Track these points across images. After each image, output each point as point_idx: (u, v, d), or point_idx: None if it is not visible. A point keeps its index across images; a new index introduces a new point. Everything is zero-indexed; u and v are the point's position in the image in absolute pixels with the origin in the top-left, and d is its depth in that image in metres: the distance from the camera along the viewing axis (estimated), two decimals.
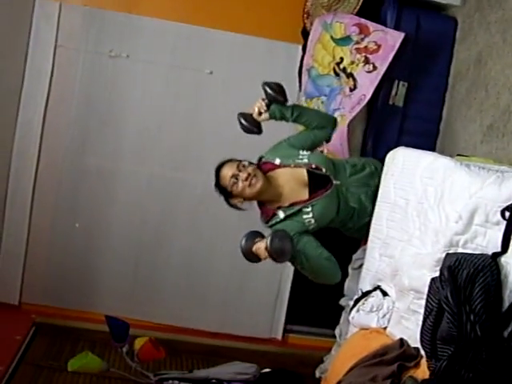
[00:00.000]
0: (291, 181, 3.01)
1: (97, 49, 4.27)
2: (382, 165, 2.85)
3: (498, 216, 1.98)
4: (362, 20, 3.69)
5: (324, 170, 2.98)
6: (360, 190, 3.03)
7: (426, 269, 2.25)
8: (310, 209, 2.95)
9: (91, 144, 4.38)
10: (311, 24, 3.96)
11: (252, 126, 3.07)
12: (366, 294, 2.74)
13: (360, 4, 3.77)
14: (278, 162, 3.05)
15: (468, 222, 2.08)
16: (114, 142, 4.38)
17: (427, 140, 3.81)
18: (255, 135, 3.11)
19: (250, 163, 2.98)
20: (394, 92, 3.70)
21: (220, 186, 3.02)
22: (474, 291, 1.90)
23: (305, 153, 3.04)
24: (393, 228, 2.61)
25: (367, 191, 3.02)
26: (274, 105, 3.03)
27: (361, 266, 3.09)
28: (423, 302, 2.15)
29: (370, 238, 2.80)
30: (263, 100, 3.02)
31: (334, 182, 2.98)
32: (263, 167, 3.06)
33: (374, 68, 3.57)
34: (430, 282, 2.13)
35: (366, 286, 2.79)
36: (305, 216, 2.95)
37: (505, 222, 1.96)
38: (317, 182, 2.98)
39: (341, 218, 3.05)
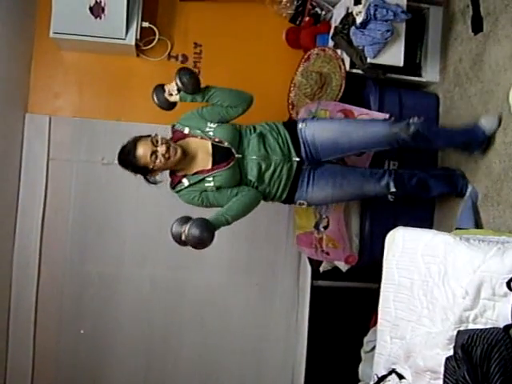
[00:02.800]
0: (199, 150, 3.17)
1: (89, 158, 4.34)
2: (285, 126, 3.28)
3: (505, 288, 1.98)
4: (347, 105, 3.76)
5: (226, 143, 3.14)
6: (258, 159, 3.20)
7: (440, 348, 2.22)
8: (211, 179, 3.13)
9: (91, 251, 4.37)
10: (297, 114, 4.04)
11: (162, 103, 3.19)
12: (381, 379, 2.68)
13: (342, 90, 3.85)
14: (186, 131, 3.19)
15: (475, 297, 2.07)
16: (113, 247, 4.38)
17: (425, 215, 3.83)
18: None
19: (156, 135, 3.08)
20: None
21: (138, 167, 3.09)
22: (490, 367, 1.87)
23: (212, 125, 3.18)
24: (400, 309, 2.58)
25: (265, 158, 3.20)
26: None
27: (373, 348, 3.05)
28: (440, 382, 2.11)
29: (379, 321, 2.77)
30: (176, 84, 3.10)
31: (236, 155, 3.15)
32: (175, 135, 3.23)
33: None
34: (446, 362, 2.09)
35: (380, 370, 2.73)
36: (206, 184, 3.14)
37: None
38: (221, 154, 3.14)
39: (250, 185, 3.24)
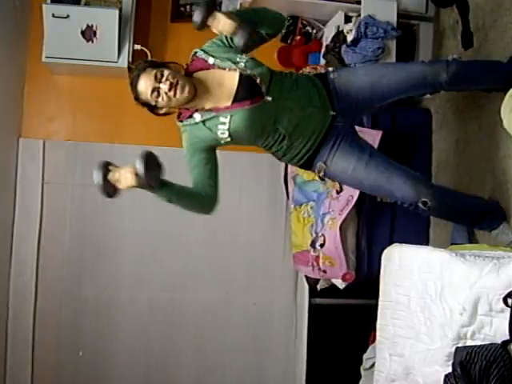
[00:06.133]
0: (219, 85, 2.69)
1: (84, 181, 4.30)
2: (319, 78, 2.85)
3: (501, 304, 1.97)
4: None
5: (258, 80, 2.66)
6: (295, 109, 2.74)
7: (438, 364, 2.22)
8: (227, 118, 2.64)
9: (88, 275, 4.36)
10: None
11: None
12: None
13: None
14: (211, 61, 2.71)
15: (472, 313, 2.07)
16: (110, 271, 4.37)
17: (420, 231, 3.83)
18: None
19: (166, 66, 2.65)
20: None
21: (140, 102, 2.67)
22: None
23: (243, 56, 2.70)
24: (399, 326, 2.57)
25: (302, 108, 2.74)
26: None
27: (372, 365, 3.04)
28: None
29: (378, 338, 2.76)
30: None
31: (265, 97, 2.66)
32: (194, 64, 2.75)
33: None
34: (444, 379, 2.10)
35: None
36: (220, 126, 2.65)
37: (509, 309, 1.95)
38: (246, 90, 2.66)
39: (266, 140, 2.80)
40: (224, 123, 2.64)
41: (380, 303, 2.76)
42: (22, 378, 4.25)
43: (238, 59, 2.67)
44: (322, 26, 4.30)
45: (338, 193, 3.60)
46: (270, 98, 2.66)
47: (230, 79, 2.66)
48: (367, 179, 2.85)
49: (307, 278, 4.26)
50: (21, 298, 4.27)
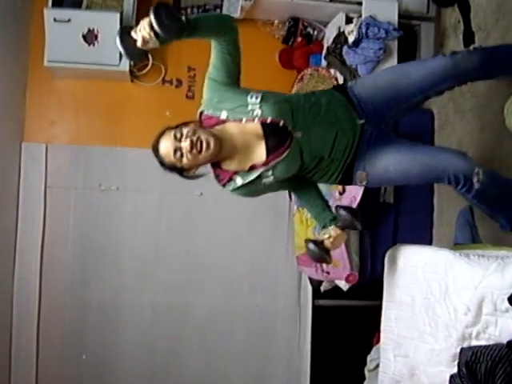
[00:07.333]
0: (244, 136, 2.51)
1: (86, 184, 4.34)
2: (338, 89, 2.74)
3: (506, 303, 1.97)
4: None
5: (282, 122, 2.49)
6: (327, 131, 2.59)
7: (443, 365, 2.22)
8: (270, 172, 2.51)
9: (91, 278, 4.37)
10: None
11: (132, 55, 2.42)
12: None
13: None
14: (224, 116, 2.51)
15: (477, 313, 2.07)
16: (113, 274, 4.37)
17: (424, 231, 3.82)
18: None
19: (187, 124, 2.47)
20: (382, 189, 3.73)
21: (167, 166, 2.49)
22: None
23: (254, 101, 2.48)
24: (403, 327, 2.57)
25: (334, 126, 2.60)
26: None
27: (377, 366, 3.03)
28: None
29: (382, 339, 2.76)
30: (152, 28, 2.25)
31: (295, 135, 2.51)
32: (206, 123, 2.53)
33: None
34: (450, 379, 2.09)
35: None
36: (264, 180, 2.54)
37: None
38: (275, 137, 2.49)
39: (306, 169, 2.65)
40: (268, 176, 2.53)
41: (384, 304, 2.76)
42: (26, 382, 4.25)
43: (250, 106, 2.49)
44: (323, 28, 4.29)
45: (340, 194, 3.60)
46: (299, 134, 2.52)
47: (251, 131, 2.50)
48: (415, 166, 2.66)
49: (311, 279, 4.26)
50: (25, 302, 4.27)
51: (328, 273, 3.80)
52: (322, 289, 4.18)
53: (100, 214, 4.33)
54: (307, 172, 2.67)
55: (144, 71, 4.36)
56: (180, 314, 4.42)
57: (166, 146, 2.42)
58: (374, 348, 3.74)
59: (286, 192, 4.27)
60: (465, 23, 3.61)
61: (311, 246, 2.56)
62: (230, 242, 4.41)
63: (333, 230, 2.58)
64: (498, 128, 3.20)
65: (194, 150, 2.39)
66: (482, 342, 2.05)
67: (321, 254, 2.55)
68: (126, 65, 4.12)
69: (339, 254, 3.63)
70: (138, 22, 2.35)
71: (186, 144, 2.38)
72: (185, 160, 2.41)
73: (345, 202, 3.56)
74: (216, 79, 2.53)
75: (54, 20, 3.96)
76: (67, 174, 4.36)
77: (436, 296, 2.32)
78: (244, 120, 2.48)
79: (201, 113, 2.56)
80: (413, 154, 2.65)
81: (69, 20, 3.97)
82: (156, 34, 2.25)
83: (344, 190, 3.58)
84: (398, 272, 2.64)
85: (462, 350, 2.05)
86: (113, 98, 4.40)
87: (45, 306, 4.32)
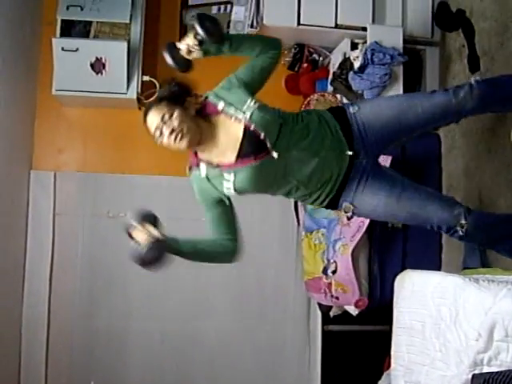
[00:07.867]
0: (226, 135, 2.56)
1: (94, 212, 4.36)
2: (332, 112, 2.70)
3: None
4: None
5: (262, 135, 2.50)
6: (308, 159, 2.59)
7: None
8: (231, 175, 2.54)
9: (99, 306, 4.36)
10: None
11: (179, 62, 2.55)
12: None
13: None
14: (220, 107, 2.57)
15: (488, 339, 2.04)
16: (122, 301, 4.37)
17: (432, 256, 3.81)
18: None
19: (184, 103, 2.56)
20: None
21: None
22: None
23: (251, 104, 2.53)
24: (413, 353, 2.55)
25: (314, 156, 2.59)
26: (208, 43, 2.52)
27: None
28: None
29: (393, 365, 2.73)
30: (195, 37, 2.47)
31: (271, 153, 2.51)
32: (206, 108, 2.60)
33: None
34: None
35: None
36: (225, 183, 2.55)
37: None
38: (251, 145, 2.52)
39: (278, 191, 2.68)
40: (228, 181, 2.54)
41: (394, 330, 2.73)
42: None
43: (245, 107, 2.53)
44: (328, 54, 4.32)
45: (348, 219, 3.59)
46: (275, 155, 2.52)
47: (235, 131, 2.55)
48: (401, 212, 2.71)
49: (320, 304, 4.24)
50: (33, 329, 4.27)
51: (337, 298, 3.78)
52: (332, 314, 4.16)
53: (108, 240, 4.32)
54: (284, 195, 2.72)
55: (151, 99, 4.38)
56: (189, 340, 4.41)
57: (152, 120, 2.51)
58: (385, 374, 3.70)
59: (294, 217, 4.30)
60: (469, 47, 3.63)
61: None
62: (239, 268, 4.38)
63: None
64: (506, 152, 3.20)
65: (172, 137, 2.47)
66: (494, 369, 2.03)
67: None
68: (133, 93, 4.15)
69: (348, 279, 3.62)
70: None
71: (167, 129, 2.47)
72: (163, 140, 2.50)
73: (353, 226, 3.56)
74: (237, 75, 2.63)
75: (62, 49, 4.00)
76: (75, 202, 4.37)
77: (446, 321, 2.30)
78: (233, 118, 2.54)
79: (206, 97, 2.63)
80: (402, 201, 2.68)
81: (77, 49, 4.01)
82: (200, 42, 2.47)
83: (352, 216, 3.58)
84: (407, 297, 2.62)
85: (473, 376, 2.03)
86: (121, 125, 4.42)
87: (53, 333, 4.31)
